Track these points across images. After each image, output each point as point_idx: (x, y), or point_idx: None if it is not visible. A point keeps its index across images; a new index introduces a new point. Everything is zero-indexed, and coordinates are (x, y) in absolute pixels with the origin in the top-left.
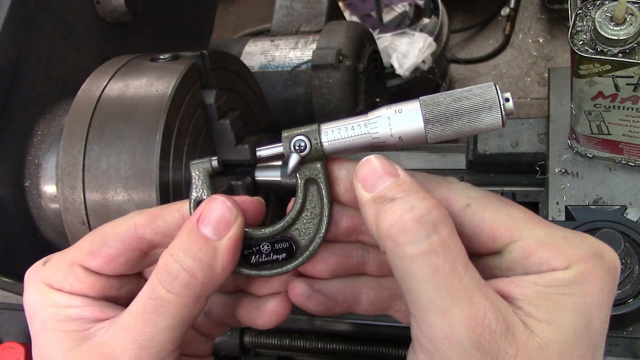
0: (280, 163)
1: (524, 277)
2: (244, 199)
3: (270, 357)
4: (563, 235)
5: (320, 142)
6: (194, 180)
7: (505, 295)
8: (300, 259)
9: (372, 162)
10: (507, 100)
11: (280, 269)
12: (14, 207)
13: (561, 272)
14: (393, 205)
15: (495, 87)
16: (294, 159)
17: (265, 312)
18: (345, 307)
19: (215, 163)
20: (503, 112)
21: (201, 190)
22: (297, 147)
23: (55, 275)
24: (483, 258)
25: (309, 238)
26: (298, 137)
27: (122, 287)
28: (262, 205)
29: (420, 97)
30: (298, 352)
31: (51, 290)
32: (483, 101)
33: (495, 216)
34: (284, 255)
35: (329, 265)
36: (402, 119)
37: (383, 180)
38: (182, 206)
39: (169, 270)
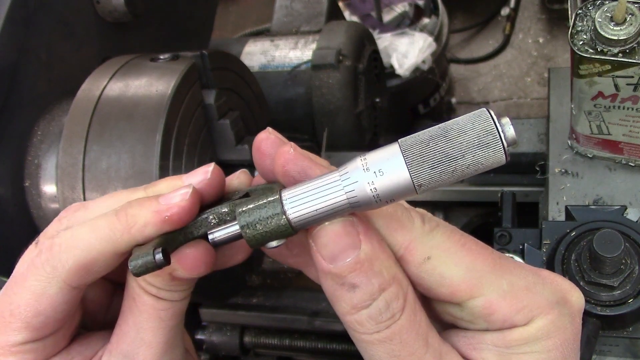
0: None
1: (484, 337)
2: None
3: (270, 357)
4: (525, 285)
5: (289, 221)
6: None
7: (467, 359)
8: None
9: (333, 229)
10: (505, 127)
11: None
12: (14, 207)
13: (521, 329)
14: (352, 296)
15: (490, 113)
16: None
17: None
18: (296, 261)
19: (159, 257)
20: (505, 144)
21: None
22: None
23: None
24: (446, 304)
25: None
26: (257, 219)
27: (75, 318)
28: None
29: (399, 140)
30: (298, 352)
31: None
32: (477, 136)
33: (456, 272)
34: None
35: None
36: (384, 176)
37: (343, 255)
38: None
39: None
